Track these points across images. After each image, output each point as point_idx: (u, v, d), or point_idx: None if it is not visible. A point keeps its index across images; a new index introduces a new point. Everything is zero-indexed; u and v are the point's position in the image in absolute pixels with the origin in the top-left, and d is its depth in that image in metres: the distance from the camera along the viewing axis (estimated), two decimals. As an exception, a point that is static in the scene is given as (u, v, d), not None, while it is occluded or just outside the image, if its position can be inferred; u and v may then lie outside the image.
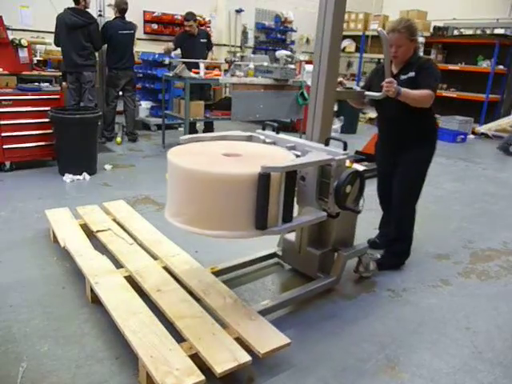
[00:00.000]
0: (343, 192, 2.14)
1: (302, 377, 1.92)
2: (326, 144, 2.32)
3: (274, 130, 2.56)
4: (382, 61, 2.74)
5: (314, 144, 2.36)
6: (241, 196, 1.87)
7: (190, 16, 6.06)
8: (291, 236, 2.73)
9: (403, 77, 2.62)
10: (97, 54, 5.64)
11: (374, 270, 2.76)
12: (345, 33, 10.82)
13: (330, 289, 2.63)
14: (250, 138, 2.52)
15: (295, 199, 2.13)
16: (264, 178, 1.82)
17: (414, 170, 2.77)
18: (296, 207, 2.17)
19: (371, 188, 3.15)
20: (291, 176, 1.94)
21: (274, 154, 2.20)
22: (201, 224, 1.94)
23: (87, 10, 5.20)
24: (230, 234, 1.96)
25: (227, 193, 1.87)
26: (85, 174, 4.37)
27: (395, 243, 2.91)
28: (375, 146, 3.05)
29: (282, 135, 2.52)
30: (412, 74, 2.60)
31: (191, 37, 6.14)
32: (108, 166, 4.75)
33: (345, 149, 2.25)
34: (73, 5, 5.09)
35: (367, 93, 2.71)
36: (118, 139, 5.96)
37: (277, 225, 1.95)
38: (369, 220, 3.54)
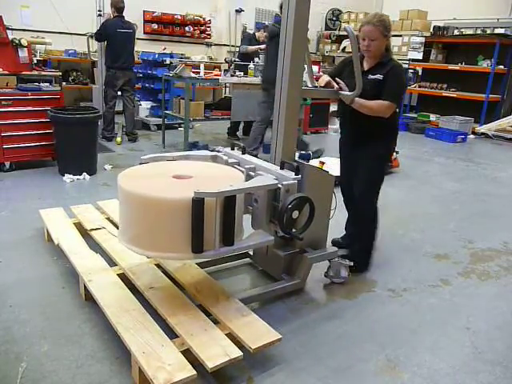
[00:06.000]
0: (288, 217, 2.11)
1: (302, 377, 1.92)
2: (281, 167, 2.32)
3: (237, 150, 2.58)
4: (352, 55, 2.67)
5: (271, 166, 2.35)
6: (176, 220, 1.90)
7: None
8: None
9: (371, 76, 2.60)
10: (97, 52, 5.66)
11: (346, 277, 2.67)
12: (345, 33, 10.86)
13: (330, 289, 2.64)
14: (214, 158, 2.54)
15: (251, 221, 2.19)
16: (197, 203, 1.83)
17: (371, 166, 2.72)
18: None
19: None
20: (230, 200, 1.93)
21: (227, 176, 2.20)
22: (140, 244, 1.99)
23: None
24: (167, 255, 2.01)
25: (163, 216, 1.91)
26: (85, 174, 4.36)
27: (356, 242, 2.87)
28: (339, 140, 2.99)
29: (246, 156, 2.52)
30: (380, 76, 2.57)
31: None
32: (108, 166, 4.75)
33: (297, 174, 2.23)
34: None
35: (341, 92, 2.65)
36: (118, 139, 5.96)
37: (214, 248, 1.96)
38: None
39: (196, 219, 1.86)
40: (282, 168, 2.32)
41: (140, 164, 2.35)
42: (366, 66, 2.67)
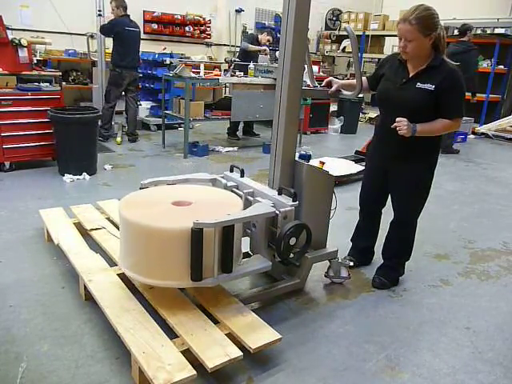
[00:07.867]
0: (286, 244, 2.14)
1: (302, 377, 1.92)
2: (279, 193, 2.34)
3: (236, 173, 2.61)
4: (399, 56, 2.40)
5: (269, 192, 2.38)
6: (175, 249, 1.95)
7: None
8: None
9: (420, 85, 2.28)
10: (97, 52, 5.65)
11: (346, 277, 2.65)
12: (345, 33, 10.87)
13: (330, 289, 2.64)
14: (213, 182, 2.59)
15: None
16: (196, 233, 1.88)
17: (423, 178, 2.49)
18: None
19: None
20: (228, 229, 1.97)
21: (225, 202, 2.23)
22: (140, 272, 2.05)
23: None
24: (166, 283, 2.05)
25: (162, 245, 1.96)
26: (85, 174, 4.37)
27: (395, 258, 2.71)
28: (369, 147, 2.80)
29: (245, 179, 2.55)
30: (431, 86, 2.25)
31: None
32: (108, 166, 4.75)
33: (294, 200, 2.24)
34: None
35: (342, 92, 2.63)
36: (118, 139, 5.95)
37: (213, 276, 2.00)
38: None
39: (195, 249, 1.90)
40: (279, 193, 2.34)
41: (140, 189, 2.39)
42: (411, 71, 2.34)
